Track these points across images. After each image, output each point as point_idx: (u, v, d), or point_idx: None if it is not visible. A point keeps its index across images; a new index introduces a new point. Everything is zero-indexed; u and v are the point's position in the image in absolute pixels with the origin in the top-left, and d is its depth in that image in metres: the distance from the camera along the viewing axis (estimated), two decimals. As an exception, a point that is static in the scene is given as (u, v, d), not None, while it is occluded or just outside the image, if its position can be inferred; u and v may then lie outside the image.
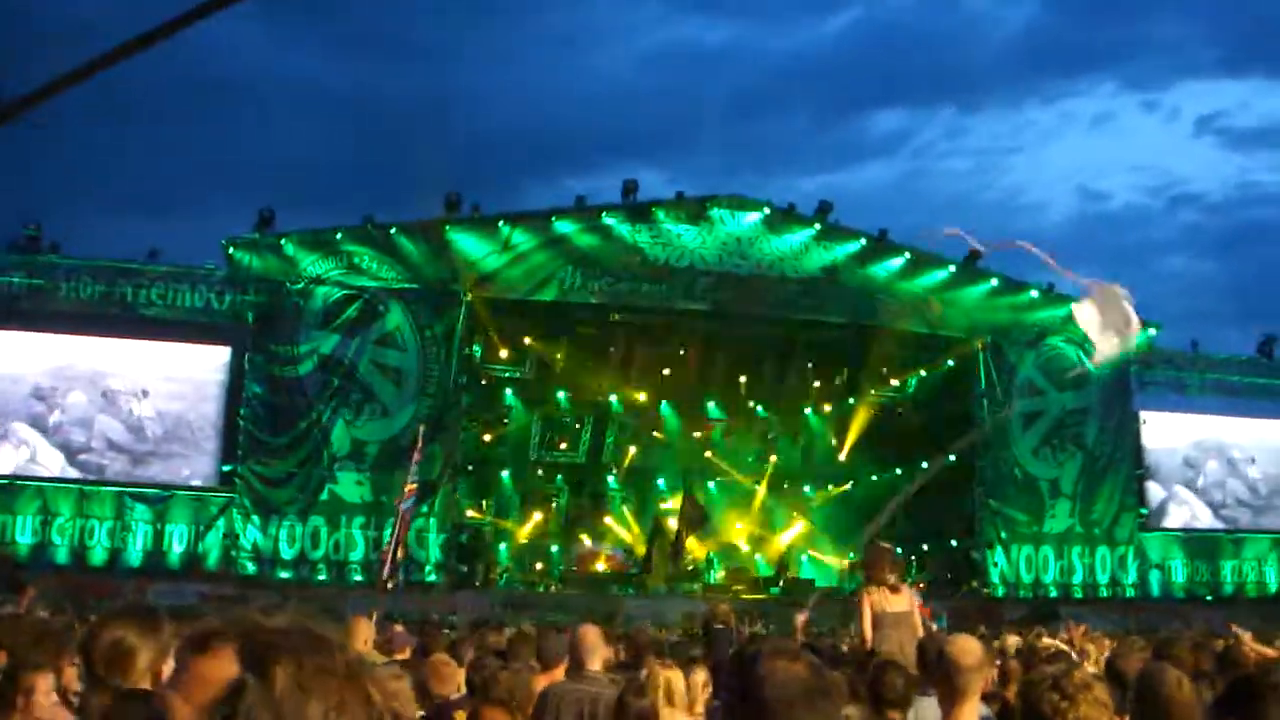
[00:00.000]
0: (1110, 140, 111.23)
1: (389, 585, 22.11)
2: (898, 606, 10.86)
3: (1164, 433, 34.43)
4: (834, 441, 37.74)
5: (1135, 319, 8.95)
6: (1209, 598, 33.66)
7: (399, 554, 18.95)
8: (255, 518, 27.23)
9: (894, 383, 35.99)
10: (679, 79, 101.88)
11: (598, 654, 7.75)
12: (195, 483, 27.65)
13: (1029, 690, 3.99)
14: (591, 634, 7.94)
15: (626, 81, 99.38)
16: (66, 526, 26.65)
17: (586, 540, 35.42)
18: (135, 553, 26.86)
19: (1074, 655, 11.43)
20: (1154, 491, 34.31)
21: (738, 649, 10.08)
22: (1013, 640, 13.39)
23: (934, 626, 13.57)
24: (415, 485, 19.50)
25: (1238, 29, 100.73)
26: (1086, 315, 9.16)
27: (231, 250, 28.13)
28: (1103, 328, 9.09)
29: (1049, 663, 7.91)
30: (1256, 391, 35.76)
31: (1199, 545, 34.48)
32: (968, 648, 5.46)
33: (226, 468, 27.62)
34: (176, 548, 27.08)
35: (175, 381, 27.79)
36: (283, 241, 28.11)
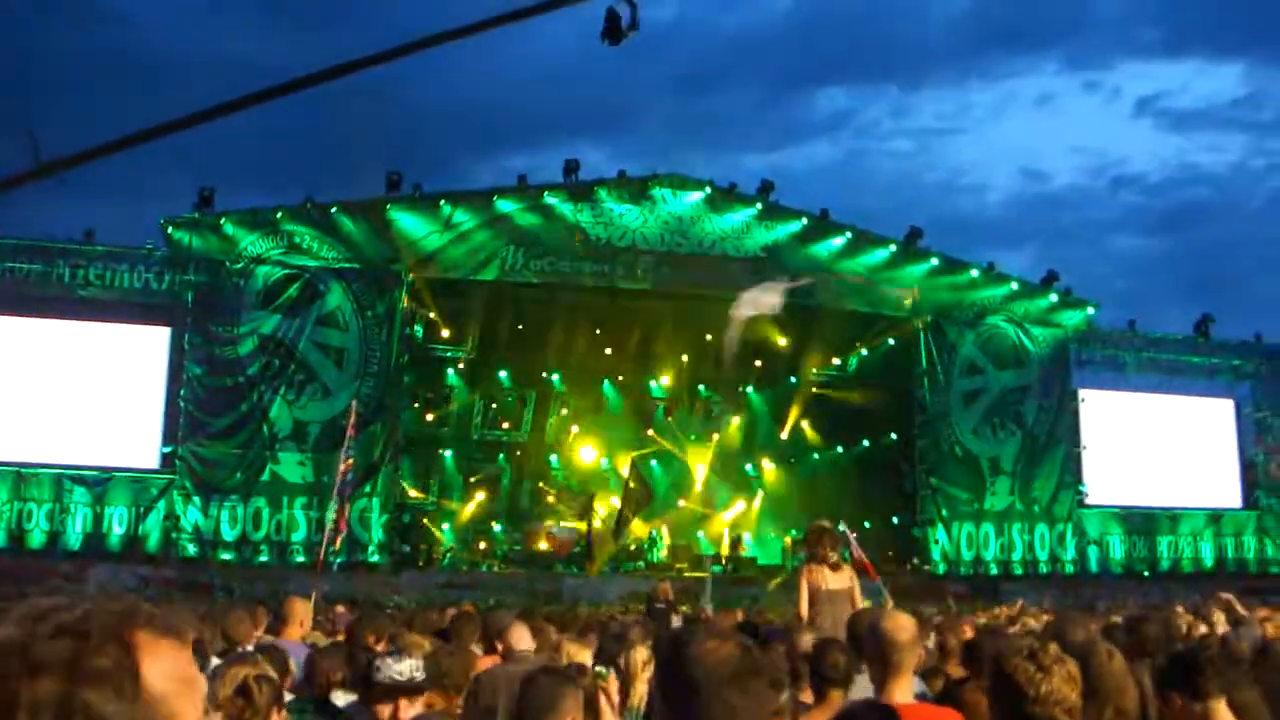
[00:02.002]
0: (1052, 120, 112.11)
1: (331, 563, 22.11)
2: (837, 584, 10.95)
3: (1102, 411, 34.72)
4: (776, 420, 37.95)
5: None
6: (1146, 573, 34.05)
7: (339, 530, 18.92)
8: (196, 499, 27.02)
9: (835, 361, 36.18)
10: (623, 56, 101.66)
11: (523, 638, 7.82)
12: (135, 465, 27.39)
13: (1003, 660, 4.00)
14: (513, 621, 8.06)
15: (570, 58, 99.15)
16: (3, 509, 26.30)
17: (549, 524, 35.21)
18: (74, 535, 26.57)
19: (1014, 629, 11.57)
20: (1092, 466, 34.60)
21: (670, 629, 10.18)
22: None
23: (890, 601, 13.72)
24: (351, 461, 19.48)
25: (1179, 10, 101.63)
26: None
27: (170, 230, 27.88)
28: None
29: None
30: (1192, 370, 36.21)
31: (1136, 522, 34.84)
32: (902, 623, 5.49)
33: (167, 449, 27.36)
34: (117, 530, 26.81)
35: (114, 363, 27.49)
36: (222, 221, 27.85)
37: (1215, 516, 35.87)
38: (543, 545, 33.34)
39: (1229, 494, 36.24)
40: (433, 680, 6.35)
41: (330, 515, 20.73)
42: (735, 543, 35.02)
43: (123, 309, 27.58)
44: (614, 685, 8.21)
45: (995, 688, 3.99)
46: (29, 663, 1.52)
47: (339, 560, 25.02)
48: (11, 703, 1.50)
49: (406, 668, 5.30)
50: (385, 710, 5.28)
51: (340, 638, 10.70)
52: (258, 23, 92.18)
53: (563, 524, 34.59)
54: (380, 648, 9.02)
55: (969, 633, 10.10)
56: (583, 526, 33.95)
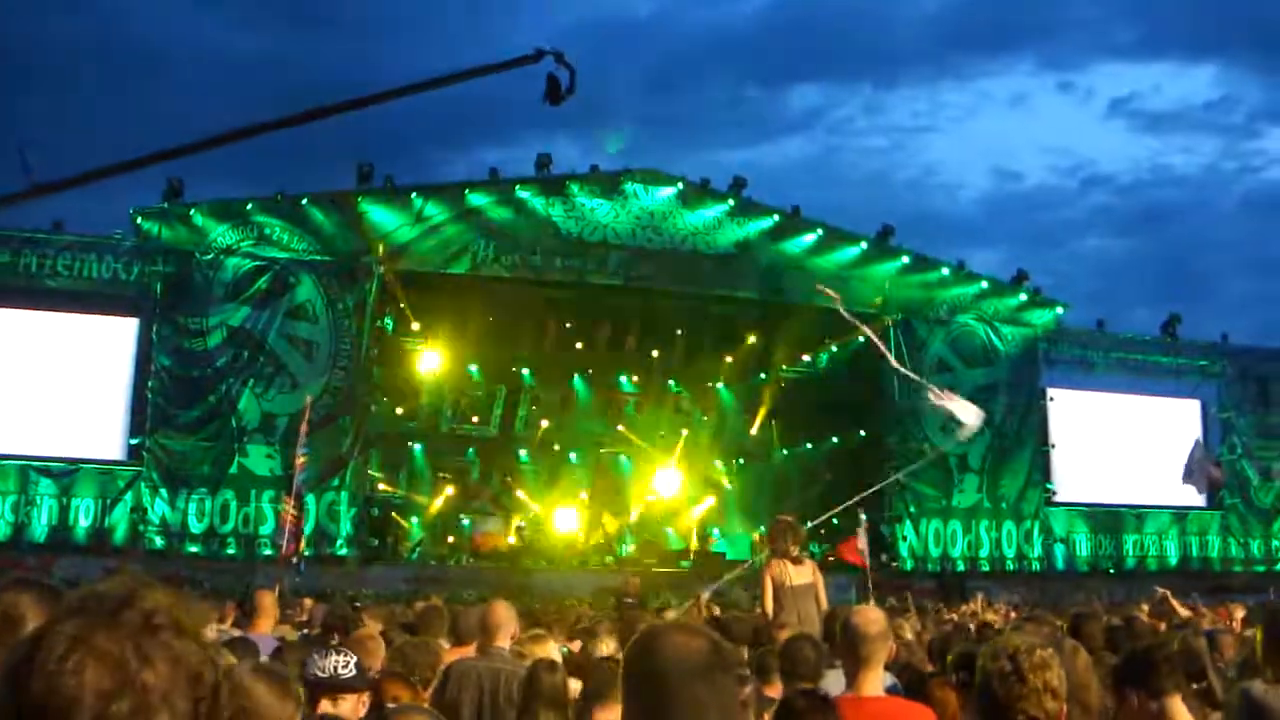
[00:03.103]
0: (1025, 120, 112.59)
1: (294, 560, 22.05)
2: (800, 579, 11.00)
3: (1070, 410, 34.90)
4: (745, 416, 38.01)
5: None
6: (1112, 571, 34.28)
7: (299, 526, 18.85)
8: (164, 491, 26.86)
9: (805, 358, 36.27)
10: (598, 50, 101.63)
11: (506, 630, 7.75)
12: (102, 456, 27.20)
13: (984, 660, 3.98)
14: (501, 610, 7.94)
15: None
16: (-32, 501, 26.17)
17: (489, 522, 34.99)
18: (40, 527, 26.35)
19: (971, 628, 11.67)
20: (1060, 465, 34.79)
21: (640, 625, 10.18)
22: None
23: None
24: (304, 458, 19.42)
25: (1153, 11, 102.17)
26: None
27: (139, 220, 27.68)
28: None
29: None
30: (1160, 370, 36.46)
31: (1102, 519, 35.07)
32: (871, 617, 5.56)
33: (134, 441, 27.19)
34: (83, 522, 26.60)
35: (81, 353, 27.32)
36: (192, 211, 27.66)
37: (1180, 515, 36.11)
38: (510, 540, 33.27)
39: (1194, 493, 36.45)
40: (398, 674, 6.33)
41: (288, 511, 20.69)
42: (704, 538, 35.12)
43: (90, 299, 27.37)
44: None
45: (979, 686, 3.99)
46: (144, 656, 1.56)
47: (307, 554, 24.93)
48: (146, 691, 1.53)
49: (330, 664, 5.22)
50: (321, 706, 5.20)
51: (314, 631, 10.71)
52: (244, 16, 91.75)
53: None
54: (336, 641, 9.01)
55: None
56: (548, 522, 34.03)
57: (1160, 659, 4.84)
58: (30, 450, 26.72)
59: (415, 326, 32.39)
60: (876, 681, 5.42)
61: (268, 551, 26.48)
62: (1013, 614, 16.28)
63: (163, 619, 1.59)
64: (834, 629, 6.80)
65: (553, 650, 8.36)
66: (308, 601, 16.42)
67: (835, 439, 35.72)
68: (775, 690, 6.61)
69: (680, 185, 31.00)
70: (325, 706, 5.14)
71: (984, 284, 33.74)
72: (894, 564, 31.80)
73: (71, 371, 27.16)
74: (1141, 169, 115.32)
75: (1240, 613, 14.02)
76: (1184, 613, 12.25)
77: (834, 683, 5.99)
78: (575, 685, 7.24)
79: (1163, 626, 12.11)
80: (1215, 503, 36.36)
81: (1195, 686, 5.24)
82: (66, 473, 26.72)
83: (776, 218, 31.58)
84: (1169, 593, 12.55)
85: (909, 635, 11.20)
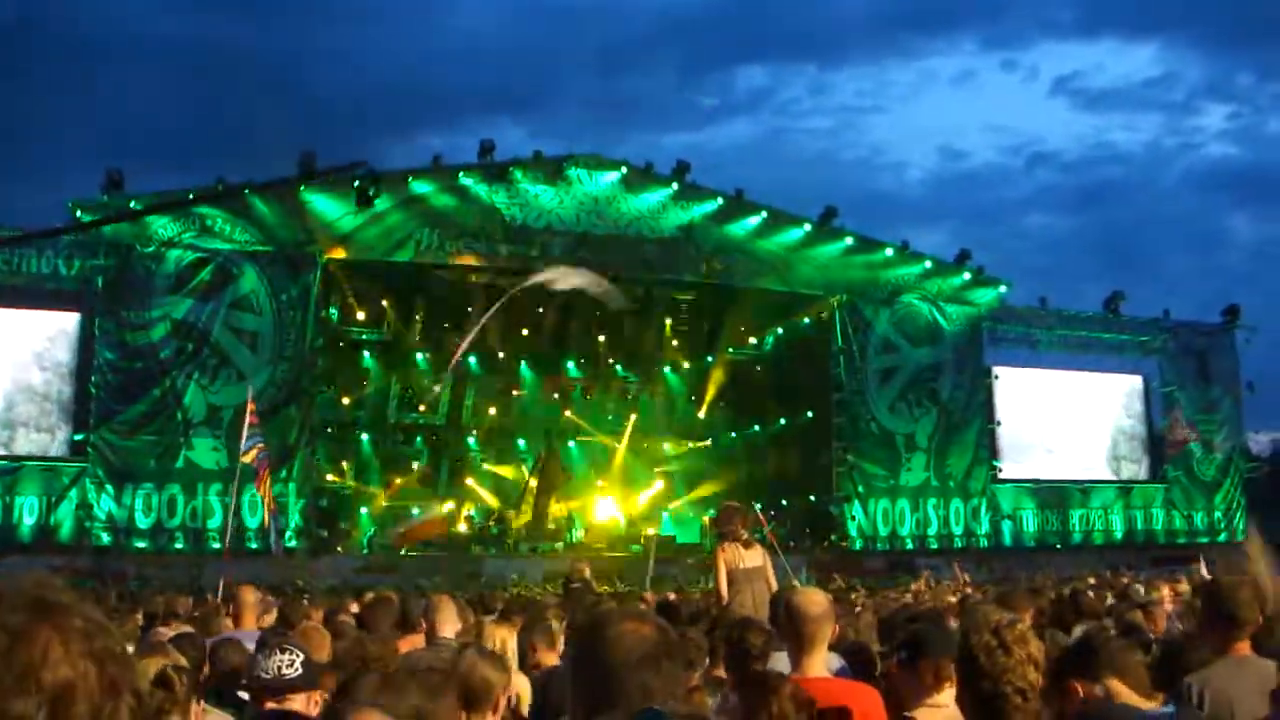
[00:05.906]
0: (970, 99, 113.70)
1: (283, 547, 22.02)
2: (751, 562, 11.12)
3: (1015, 387, 35.18)
4: (692, 399, 38.12)
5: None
6: (1059, 546, 34.60)
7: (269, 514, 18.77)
8: (109, 487, 26.59)
9: (751, 341, 36.37)
10: (545, 35, 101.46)
11: (450, 621, 7.79)
12: (46, 453, 26.91)
13: (968, 634, 4.02)
14: (444, 602, 8.00)
15: (491, 37, 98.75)
16: (-89, 500, 25.87)
17: (415, 510, 34.79)
18: (-16, 526, 26.12)
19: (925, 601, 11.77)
20: (1006, 443, 35.04)
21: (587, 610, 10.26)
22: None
23: (798, 581, 13.94)
24: (261, 446, 19.29)
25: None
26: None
27: (79, 213, 27.33)
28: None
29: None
30: (1102, 346, 36.86)
31: (1049, 495, 35.37)
32: (813, 598, 5.59)
33: (78, 437, 26.92)
34: (27, 520, 26.28)
35: (22, 350, 27.03)
36: (132, 204, 27.35)
37: (1125, 489, 36.55)
38: (462, 528, 33.21)
39: (1138, 467, 36.93)
40: (355, 667, 6.30)
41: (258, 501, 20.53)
42: (653, 521, 35.19)
43: (31, 294, 27.05)
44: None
45: (958, 662, 4.04)
46: (93, 651, 1.61)
47: (253, 546, 24.77)
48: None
49: (274, 664, 5.09)
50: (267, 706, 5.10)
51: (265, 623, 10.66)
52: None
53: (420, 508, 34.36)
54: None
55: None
56: (441, 511, 33.90)
57: (1098, 644, 4.92)
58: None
59: (360, 316, 32.25)
60: (821, 662, 5.44)
61: (216, 545, 26.32)
62: (972, 590, 16.37)
63: (52, 594, 1.63)
64: (778, 611, 6.85)
65: (512, 637, 8.40)
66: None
67: (782, 420, 35.87)
68: (722, 671, 6.66)
69: (624, 170, 30.97)
70: (271, 706, 5.04)
71: (928, 263, 33.90)
72: (843, 544, 31.97)
73: (11, 368, 26.88)
74: (1085, 146, 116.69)
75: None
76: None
77: (781, 665, 6.03)
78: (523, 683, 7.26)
79: (1109, 599, 12.24)
80: (1159, 476, 36.84)
81: (1144, 657, 5.30)
82: (10, 471, 26.42)
83: (720, 201, 31.60)
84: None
85: (869, 616, 11.30)
